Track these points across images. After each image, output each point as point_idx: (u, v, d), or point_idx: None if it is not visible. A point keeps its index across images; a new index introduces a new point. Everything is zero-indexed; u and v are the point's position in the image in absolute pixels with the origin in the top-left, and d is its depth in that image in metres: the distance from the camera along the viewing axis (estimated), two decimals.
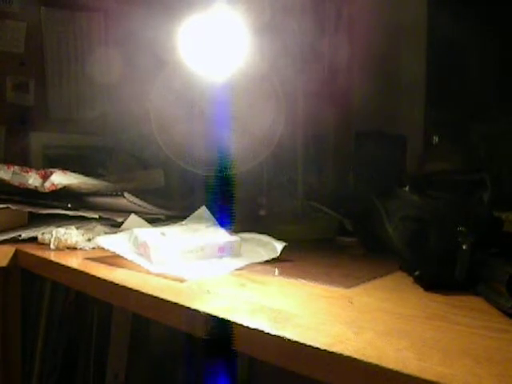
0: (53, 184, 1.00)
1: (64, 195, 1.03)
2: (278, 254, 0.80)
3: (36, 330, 1.10)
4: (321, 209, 1.07)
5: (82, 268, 0.76)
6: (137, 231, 0.81)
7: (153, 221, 1.02)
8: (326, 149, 1.15)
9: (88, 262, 0.81)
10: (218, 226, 0.89)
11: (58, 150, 1.41)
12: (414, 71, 1.10)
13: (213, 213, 0.94)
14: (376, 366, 0.41)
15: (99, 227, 0.97)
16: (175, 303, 0.60)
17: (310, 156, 1.13)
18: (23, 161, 1.30)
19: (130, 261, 0.75)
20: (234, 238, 0.83)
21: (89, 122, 1.47)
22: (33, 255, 0.87)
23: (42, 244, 0.91)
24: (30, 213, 1.00)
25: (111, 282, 0.69)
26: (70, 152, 1.42)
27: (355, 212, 0.98)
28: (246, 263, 0.77)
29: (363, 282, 0.69)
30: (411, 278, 0.68)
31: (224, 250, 0.81)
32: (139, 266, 0.74)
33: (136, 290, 0.65)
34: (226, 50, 0.96)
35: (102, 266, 0.78)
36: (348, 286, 0.67)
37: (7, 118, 1.37)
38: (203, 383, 1.01)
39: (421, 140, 1.04)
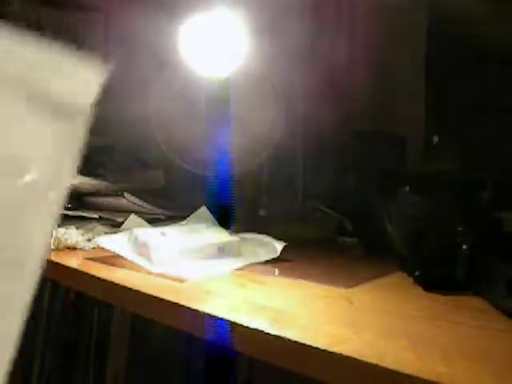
0: None
1: None
2: (278, 254, 0.80)
3: (36, 330, 1.10)
4: (321, 209, 1.07)
5: (81, 268, 0.76)
6: (137, 231, 0.81)
7: (153, 221, 1.02)
8: (325, 149, 1.15)
9: (88, 262, 0.80)
10: (218, 226, 0.89)
11: None
12: (413, 71, 1.10)
13: (213, 213, 0.94)
14: (376, 365, 0.41)
15: (99, 227, 0.97)
16: (175, 303, 0.60)
17: (309, 156, 1.13)
18: None
19: (130, 261, 0.75)
20: (234, 238, 0.83)
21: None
22: None
23: None
24: None
25: (111, 282, 0.69)
26: None
27: (355, 212, 0.98)
28: (246, 263, 0.77)
29: (363, 282, 0.69)
30: (411, 278, 0.68)
31: (224, 250, 0.81)
32: (139, 266, 0.74)
33: (136, 290, 0.65)
34: (226, 50, 0.96)
35: (102, 266, 0.78)
36: (348, 286, 0.67)
37: None
38: (203, 383, 1.01)
39: (421, 140, 1.04)
